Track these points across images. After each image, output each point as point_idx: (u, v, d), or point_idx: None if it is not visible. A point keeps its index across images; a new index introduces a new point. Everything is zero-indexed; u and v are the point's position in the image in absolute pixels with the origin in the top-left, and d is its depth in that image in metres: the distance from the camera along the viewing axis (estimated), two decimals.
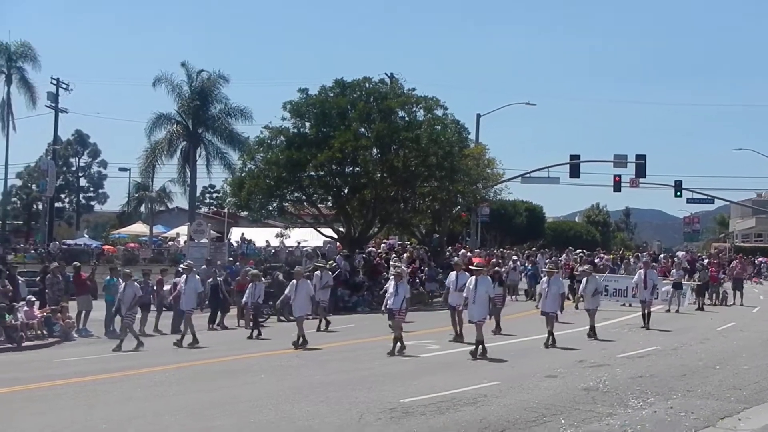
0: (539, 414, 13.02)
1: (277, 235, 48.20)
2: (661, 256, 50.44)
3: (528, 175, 55.32)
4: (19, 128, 70.28)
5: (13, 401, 15.46)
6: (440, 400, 14.12)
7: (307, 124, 42.87)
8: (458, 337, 23.52)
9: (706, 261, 46.71)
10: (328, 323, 28.61)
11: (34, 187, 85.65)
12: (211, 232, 49.08)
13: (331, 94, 42.77)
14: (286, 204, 44.64)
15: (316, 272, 30.52)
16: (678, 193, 61.96)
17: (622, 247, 56.46)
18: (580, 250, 50.05)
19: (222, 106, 62.08)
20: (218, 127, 61.64)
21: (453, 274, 23.39)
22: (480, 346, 20.09)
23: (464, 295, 21.16)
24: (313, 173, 42.23)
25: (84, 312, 28.73)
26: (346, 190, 43.43)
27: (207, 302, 30.04)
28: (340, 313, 33.27)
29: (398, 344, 20.75)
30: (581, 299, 27.69)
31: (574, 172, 53.86)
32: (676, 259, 47.93)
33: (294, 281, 24.37)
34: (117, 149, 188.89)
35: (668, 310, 33.57)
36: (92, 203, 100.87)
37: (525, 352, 21.27)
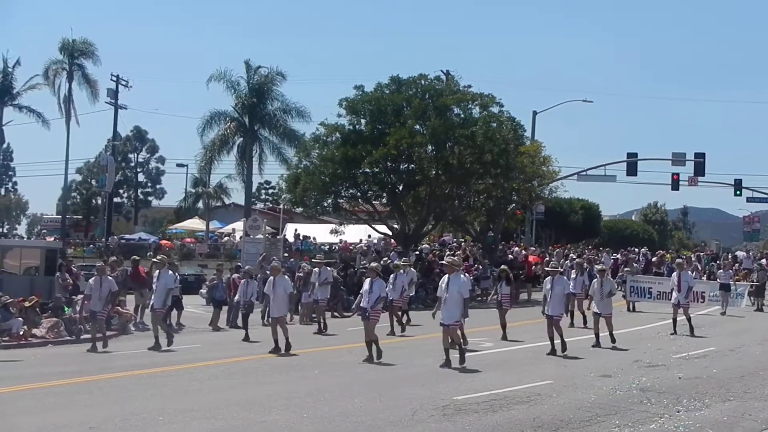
0: (593, 414, 12.95)
1: (331, 232, 48.41)
2: (723, 256, 49.46)
3: (584, 173, 54.81)
4: (80, 123, 71.43)
5: (73, 393, 15.76)
6: (493, 398, 14.12)
7: (363, 121, 43.00)
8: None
9: (764, 261, 45.91)
10: (325, 326, 27.22)
11: (93, 182, 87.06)
12: (267, 228, 49.42)
13: (387, 91, 42.85)
14: (341, 200, 44.84)
15: (315, 269, 29.82)
16: (737, 192, 60.93)
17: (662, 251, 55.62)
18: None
19: (279, 103, 62.42)
20: (275, 124, 61.93)
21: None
22: (458, 353, 18.07)
23: (438, 294, 19.16)
24: (368, 170, 42.34)
25: (141, 306, 29.17)
26: (400, 187, 43.48)
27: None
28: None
29: (374, 348, 19.01)
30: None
31: (632, 170, 53.23)
32: (738, 259, 47.17)
33: (271, 278, 22.41)
34: (175, 145, 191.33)
35: (723, 313, 32.66)
36: (150, 198, 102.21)
37: (578, 351, 21.12)
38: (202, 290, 38.80)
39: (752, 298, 35.82)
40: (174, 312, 28.85)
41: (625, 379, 16.56)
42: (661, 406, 13.70)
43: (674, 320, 25.67)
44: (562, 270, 26.29)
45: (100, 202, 78.58)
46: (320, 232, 52.68)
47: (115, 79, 68.18)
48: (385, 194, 44.53)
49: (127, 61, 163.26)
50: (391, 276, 26.29)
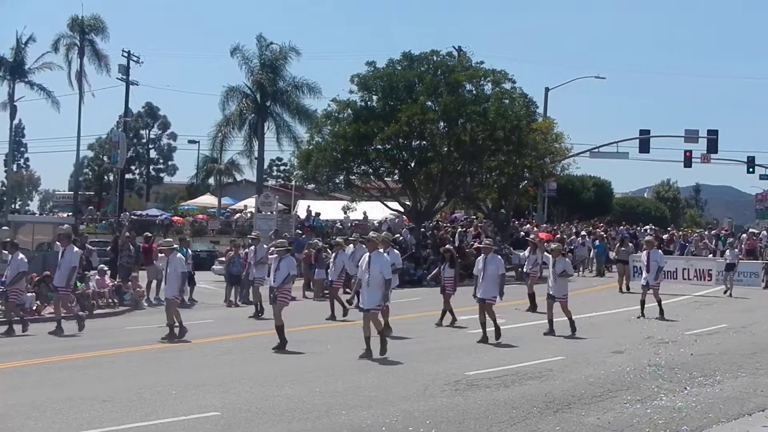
0: (605, 389, 12.97)
1: (343, 208, 48.41)
2: (747, 233, 48.81)
3: (596, 150, 54.66)
4: (91, 100, 71.60)
5: (85, 367, 15.87)
6: (505, 373, 14.16)
7: (375, 98, 42.84)
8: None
9: None
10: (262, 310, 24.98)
11: (105, 158, 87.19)
12: (279, 204, 49.47)
13: (399, 68, 42.66)
14: (353, 177, 44.77)
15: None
16: (750, 170, 60.66)
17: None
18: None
19: (290, 80, 62.39)
20: (286, 100, 61.93)
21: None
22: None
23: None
24: (380, 146, 42.21)
25: (155, 281, 29.32)
26: (412, 164, 43.37)
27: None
28: (405, 287, 33.37)
29: (283, 337, 17.40)
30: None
31: (644, 147, 53.03)
32: (763, 238, 47.01)
33: (164, 256, 20.97)
34: (186, 121, 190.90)
35: (727, 292, 31.40)
36: (162, 175, 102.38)
37: (589, 329, 21.10)
38: (214, 266, 38.96)
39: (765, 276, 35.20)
40: (186, 288, 28.99)
41: (636, 355, 16.57)
42: (673, 381, 13.70)
43: (642, 302, 23.84)
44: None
45: (112, 178, 78.72)
46: (332, 209, 52.70)
47: (126, 55, 68.12)
48: (397, 171, 44.43)
49: (138, 37, 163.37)
50: (332, 255, 25.61)
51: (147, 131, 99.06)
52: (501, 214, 48.52)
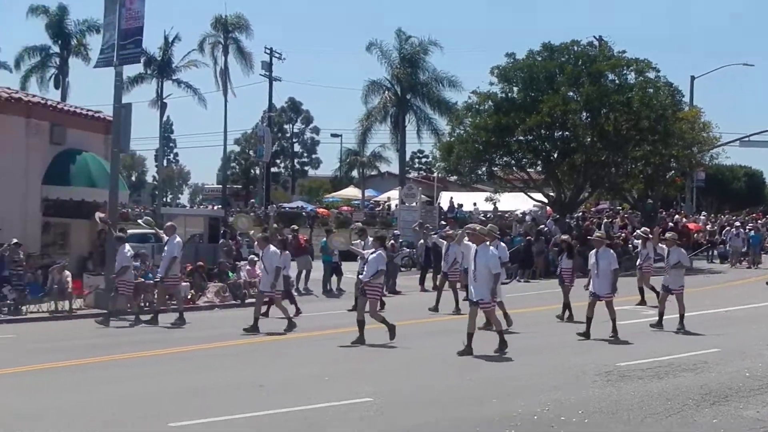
0: (764, 383, 12.60)
1: (486, 200, 48.33)
2: None
3: (746, 139, 52.91)
4: (237, 96, 73.59)
5: (236, 354, 16.43)
6: (657, 365, 13.91)
7: (515, 89, 42.62)
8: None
9: None
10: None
11: (251, 152, 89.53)
12: (422, 196, 49.76)
13: (539, 59, 42.28)
14: (495, 168, 44.67)
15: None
16: None
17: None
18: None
19: (431, 73, 62.68)
20: (427, 93, 62.26)
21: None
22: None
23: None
24: (521, 138, 41.97)
25: (305, 271, 30.05)
26: (555, 155, 42.95)
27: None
28: (550, 278, 33.06)
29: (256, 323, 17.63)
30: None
31: None
32: None
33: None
34: (328, 115, 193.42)
35: None
36: (306, 168, 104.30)
37: (745, 320, 20.50)
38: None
39: None
40: (334, 278, 29.60)
41: None
42: None
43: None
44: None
45: (258, 171, 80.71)
46: (475, 200, 52.66)
47: (268, 52, 69.74)
48: (539, 162, 44.13)
49: (279, 34, 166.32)
50: (444, 247, 23.91)
51: (290, 126, 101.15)
52: (648, 205, 47.51)
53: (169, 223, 23.54)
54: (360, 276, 18.12)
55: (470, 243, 15.80)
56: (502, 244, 21.59)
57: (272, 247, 20.38)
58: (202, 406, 11.28)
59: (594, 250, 18.31)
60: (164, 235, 22.20)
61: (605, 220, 43.72)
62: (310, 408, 11.01)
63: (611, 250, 18.81)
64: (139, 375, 14.12)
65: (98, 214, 23.75)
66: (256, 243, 20.62)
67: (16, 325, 21.96)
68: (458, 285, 22.91)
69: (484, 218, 47.36)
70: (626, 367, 13.69)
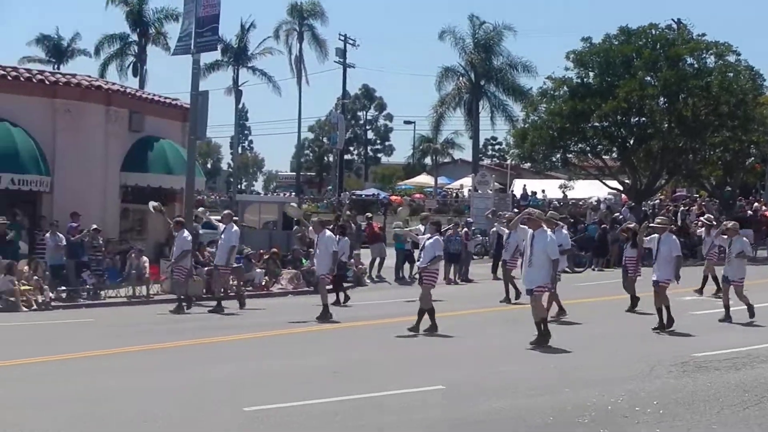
0: None
1: (560, 187, 47.94)
2: None
3: None
4: (310, 83, 74.07)
5: (307, 340, 16.58)
6: (735, 356, 13.65)
7: (591, 74, 42.15)
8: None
9: None
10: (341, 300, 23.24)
11: (325, 140, 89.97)
12: (495, 183, 49.57)
13: (616, 43, 41.73)
14: (570, 155, 44.26)
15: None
16: None
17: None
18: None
19: (505, 58, 62.29)
20: (501, 79, 61.90)
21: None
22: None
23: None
24: (597, 124, 41.52)
25: (378, 259, 30.19)
26: (631, 141, 42.41)
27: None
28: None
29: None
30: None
31: None
32: None
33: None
34: (401, 102, 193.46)
35: None
36: (379, 155, 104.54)
37: None
38: None
39: None
40: (406, 265, 29.67)
41: None
42: None
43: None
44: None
45: (331, 159, 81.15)
46: (548, 188, 52.31)
47: (342, 38, 69.97)
48: (615, 148, 43.64)
49: (353, 20, 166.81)
50: (506, 234, 23.27)
51: (364, 113, 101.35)
52: (726, 192, 46.61)
53: (226, 211, 23.82)
54: (417, 262, 17.76)
55: (527, 228, 15.48)
56: (564, 231, 20.83)
57: (327, 232, 20.36)
58: (275, 391, 11.42)
59: (656, 236, 17.61)
60: (221, 224, 22.27)
61: (682, 207, 43.02)
62: (383, 395, 11.06)
63: (674, 236, 18.11)
64: (212, 360, 14.35)
65: (151, 204, 24.00)
66: (311, 228, 20.52)
67: (95, 309, 22.52)
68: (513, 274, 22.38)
69: (558, 205, 47.01)
70: (702, 357, 13.47)
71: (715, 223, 23.20)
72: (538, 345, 14.72)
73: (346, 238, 25.27)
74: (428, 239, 17.28)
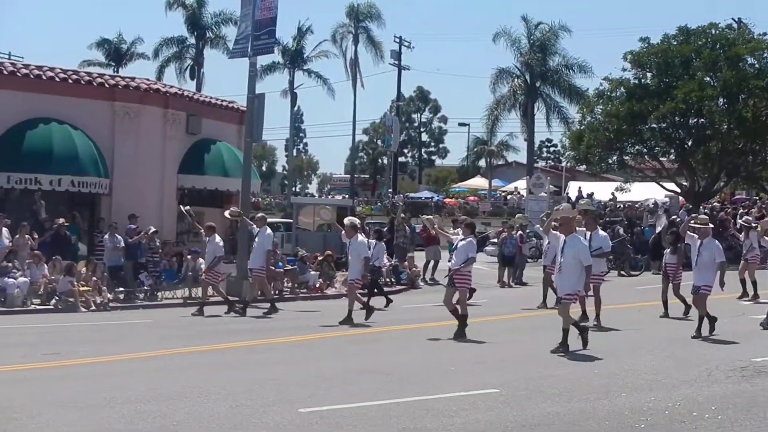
0: None
1: (616, 189, 47.53)
2: None
3: None
4: (365, 86, 74.25)
5: (365, 342, 16.62)
6: None
7: (649, 75, 41.85)
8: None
9: None
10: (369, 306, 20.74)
11: (379, 142, 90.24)
12: (550, 186, 49.26)
13: (674, 43, 41.36)
14: (627, 157, 43.91)
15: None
16: None
17: None
18: None
19: (560, 59, 61.96)
20: (557, 80, 61.55)
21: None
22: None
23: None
24: (654, 125, 41.21)
25: (432, 262, 30.16)
26: (689, 143, 42.00)
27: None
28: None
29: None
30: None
31: None
32: None
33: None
34: (456, 105, 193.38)
35: None
36: (433, 158, 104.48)
37: None
38: (487, 247, 39.34)
39: None
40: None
41: None
42: None
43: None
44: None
45: (386, 161, 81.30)
46: (604, 190, 51.83)
47: (398, 40, 70.12)
48: (672, 150, 43.23)
49: (408, 22, 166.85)
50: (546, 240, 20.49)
51: (419, 115, 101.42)
52: None
53: (259, 214, 23.72)
54: (449, 264, 17.48)
55: (558, 234, 15.05)
56: (602, 232, 20.24)
57: (360, 236, 20.14)
58: (330, 392, 11.45)
59: (698, 240, 16.72)
60: (255, 227, 22.14)
61: (741, 210, 42.36)
62: (437, 398, 11.03)
63: (716, 241, 17.27)
64: (267, 361, 14.45)
65: (228, 212, 24.07)
66: (343, 232, 20.03)
67: (152, 310, 22.81)
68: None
69: (612, 208, 46.56)
70: (762, 362, 13.22)
71: (755, 224, 22.55)
72: (563, 351, 14.30)
73: (383, 242, 25.26)
74: (461, 240, 16.83)
